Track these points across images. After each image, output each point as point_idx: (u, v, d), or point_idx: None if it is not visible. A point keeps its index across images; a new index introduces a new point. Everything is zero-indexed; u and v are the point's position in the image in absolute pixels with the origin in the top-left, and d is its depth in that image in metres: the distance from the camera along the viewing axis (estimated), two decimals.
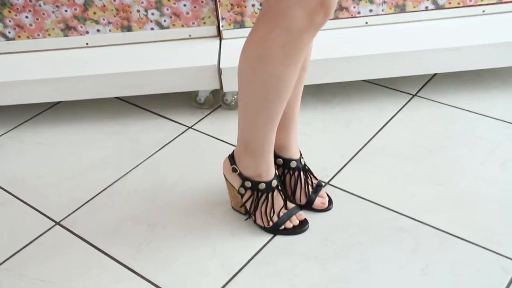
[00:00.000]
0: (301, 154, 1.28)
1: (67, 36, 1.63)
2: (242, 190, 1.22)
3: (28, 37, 1.63)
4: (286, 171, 1.27)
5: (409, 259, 1.15)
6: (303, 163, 1.27)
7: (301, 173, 1.27)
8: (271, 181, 1.20)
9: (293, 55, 0.97)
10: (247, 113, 1.10)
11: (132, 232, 1.27)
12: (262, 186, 1.20)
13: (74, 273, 1.19)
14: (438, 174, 1.34)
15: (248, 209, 1.23)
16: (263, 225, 1.23)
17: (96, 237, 1.27)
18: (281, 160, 1.26)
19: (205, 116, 1.63)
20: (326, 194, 1.29)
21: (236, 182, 1.22)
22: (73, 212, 1.34)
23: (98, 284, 1.16)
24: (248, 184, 1.20)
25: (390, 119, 1.53)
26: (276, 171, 1.22)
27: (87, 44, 1.65)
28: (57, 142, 1.58)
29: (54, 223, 1.32)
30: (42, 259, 1.23)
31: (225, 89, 1.55)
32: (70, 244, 1.26)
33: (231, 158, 1.22)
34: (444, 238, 1.18)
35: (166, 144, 1.53)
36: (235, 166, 1.21)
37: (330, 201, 1.29)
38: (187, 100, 1.68)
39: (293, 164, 1.26)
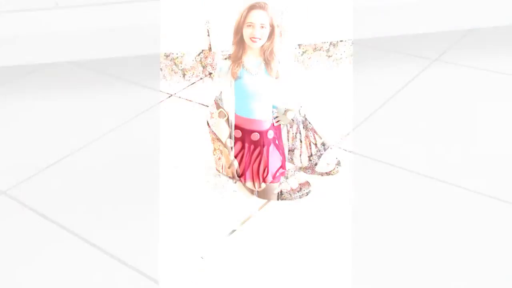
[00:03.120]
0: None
1: None
2: (231, 142, 0.97)
3: None
4: None
5: None
6: (303, 115, 1.03)
7: (300, 127, 1.02)
8: (267, 130, 0.96)
9: None
10: None
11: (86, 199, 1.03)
12: (256, 135, 0.95)
13: None
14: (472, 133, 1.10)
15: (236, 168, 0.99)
16: (254, 188, 0.98)
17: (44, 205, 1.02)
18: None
19: (192, 84, 1.39)
20: (333, 156, 1.04)
21: (224, 131, 0.98)
22: None
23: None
24: (238, 133, 0.96)
25: (409, 82, 1.29)
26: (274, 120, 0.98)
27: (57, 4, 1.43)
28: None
29: None
30: None
31: (213, 49, 1.32)
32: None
33: (219, 99, 0.98)
34: None
35: (143, 112, 1.29)
36: (222, 110, 0.97)
37: (338, 164, 1.04)
38: (170, 69, 1.45)
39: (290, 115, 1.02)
